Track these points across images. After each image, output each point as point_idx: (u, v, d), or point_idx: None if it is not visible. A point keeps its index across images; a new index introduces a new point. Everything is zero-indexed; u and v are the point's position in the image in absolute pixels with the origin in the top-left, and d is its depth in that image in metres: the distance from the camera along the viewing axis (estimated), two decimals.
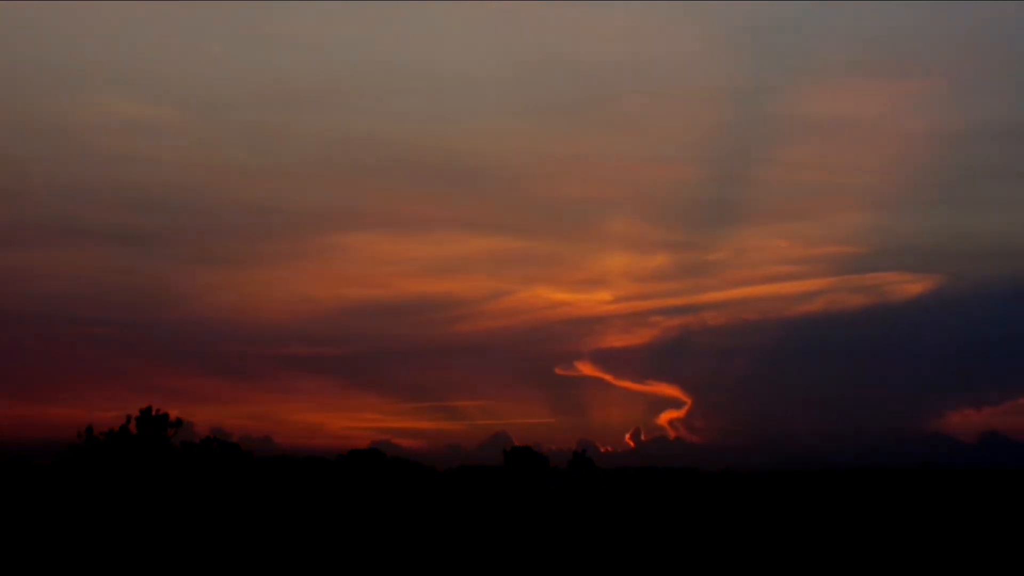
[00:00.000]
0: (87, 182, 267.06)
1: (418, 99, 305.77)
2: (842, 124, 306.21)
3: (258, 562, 46.33)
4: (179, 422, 74.86)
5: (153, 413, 73.85)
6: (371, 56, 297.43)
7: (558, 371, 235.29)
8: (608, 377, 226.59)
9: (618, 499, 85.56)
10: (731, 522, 68.93)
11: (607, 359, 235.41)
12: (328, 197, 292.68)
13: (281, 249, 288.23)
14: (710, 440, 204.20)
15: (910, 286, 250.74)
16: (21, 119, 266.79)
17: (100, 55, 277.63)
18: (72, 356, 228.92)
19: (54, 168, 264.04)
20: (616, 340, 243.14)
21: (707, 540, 56.90)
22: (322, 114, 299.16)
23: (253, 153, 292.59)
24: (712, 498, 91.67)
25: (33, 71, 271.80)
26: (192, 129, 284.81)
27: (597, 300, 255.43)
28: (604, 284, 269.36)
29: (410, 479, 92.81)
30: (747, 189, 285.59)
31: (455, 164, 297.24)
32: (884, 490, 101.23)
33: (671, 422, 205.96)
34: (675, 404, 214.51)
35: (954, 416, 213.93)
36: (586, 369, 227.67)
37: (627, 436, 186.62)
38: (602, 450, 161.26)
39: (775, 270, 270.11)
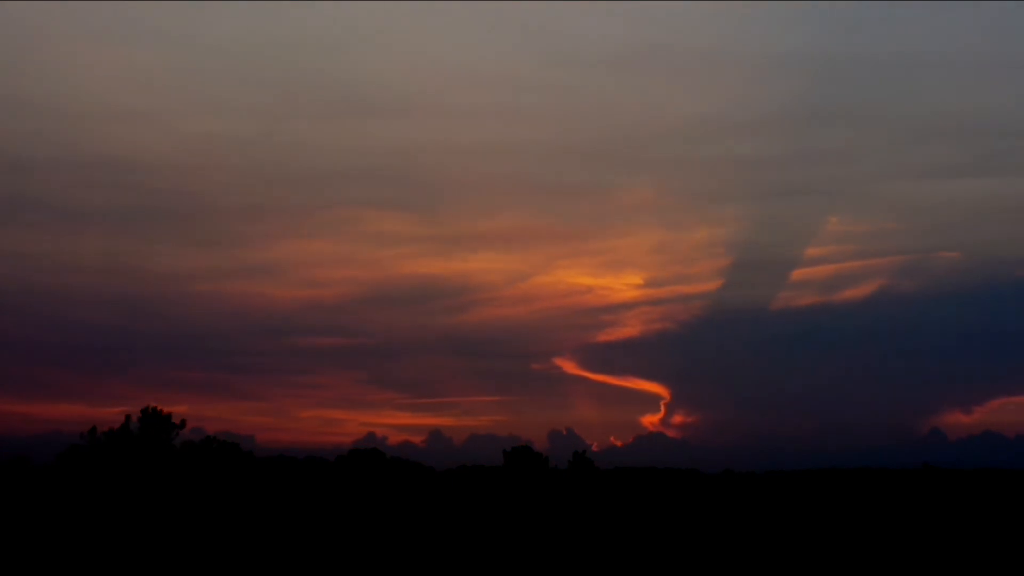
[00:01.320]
0: (76, 160, 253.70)
1: (424, 65, 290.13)
2: None
3: (258, 561, 46.33)
4: (182, 424, 74.73)
5: (160, 412, 73.71)
6: (377, 25, 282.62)
7: (534, 366, 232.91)
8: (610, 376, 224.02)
9: (617, 499, 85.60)
10: (729, 522, 69.05)
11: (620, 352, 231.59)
12: (331, 173, 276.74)
13: (283, 229, 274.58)
14: (700, 438, 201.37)
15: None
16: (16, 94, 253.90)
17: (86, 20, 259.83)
18: (70, 349, 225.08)
19: (46, 147, 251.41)
20: (627, 331, 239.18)
21: (705, 540, 56.99)
22: (323, 83, 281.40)
23: (249, 125, 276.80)
24: (711, 498, 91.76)
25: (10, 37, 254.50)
26: (183, 102, 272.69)
27: (624, 284, 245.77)
28: (630, 266, 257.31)
29: (409, 479, 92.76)
30: None
31: (467, 138, 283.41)
32: (881, 490, 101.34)
33: (662, 421, 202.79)
34: (666, 401, 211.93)
35: (951, 413, 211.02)
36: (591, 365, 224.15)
37: (614, 436, 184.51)
38: (595, 448, 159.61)
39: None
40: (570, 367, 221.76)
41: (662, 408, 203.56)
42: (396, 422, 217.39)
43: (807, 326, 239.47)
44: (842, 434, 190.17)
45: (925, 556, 50.18)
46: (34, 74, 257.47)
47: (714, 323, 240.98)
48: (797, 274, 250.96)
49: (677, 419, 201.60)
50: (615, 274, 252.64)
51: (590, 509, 76.59)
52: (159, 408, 73.85)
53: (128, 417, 73.04)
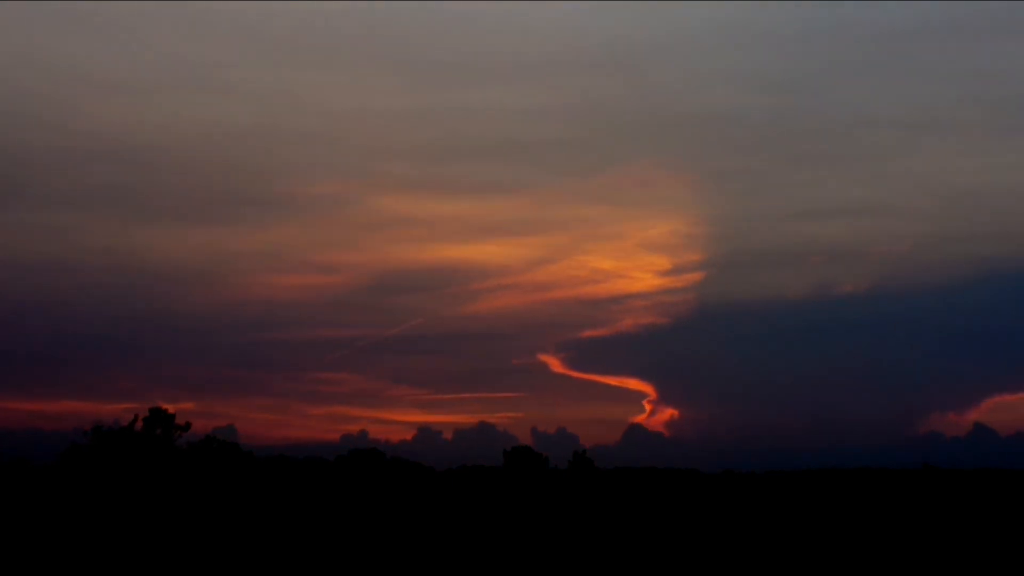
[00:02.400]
0: (71, 141, 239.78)
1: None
2: None
3: (255, 562, 46.33)
4: (187, 425, 74.86)
5: (165, 412, 73.78)
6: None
7: (514, 361, 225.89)
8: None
9: (618, 499, 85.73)
10: (729, 522, 69.22)
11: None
12: (337, 149, 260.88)
13: (286, 212, 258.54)
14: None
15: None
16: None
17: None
18: (70, 342, 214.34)
19: (36, 128, 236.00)
20: (614, 327, 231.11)
21: (706, 540, 57.14)
22: (319, 48, 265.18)
23: (247, 99, 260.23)
24: (711, 498, 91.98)
25: None
26: (172, 81, 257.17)
27: (649, 268, 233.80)
28: (654, 250, 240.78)
29: (409, 479, 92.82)
30: None
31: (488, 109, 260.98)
32: (881, 490, 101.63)
33: (651, 419, 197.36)
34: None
35: (945, 411, 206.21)
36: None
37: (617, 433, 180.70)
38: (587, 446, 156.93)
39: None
40: (556, 364, 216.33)
41: (649, 406, 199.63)
42: (387, 417, 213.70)
43: (800, 320, 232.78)
44: (838, 432, 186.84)
45: (925, 556, 50.38)
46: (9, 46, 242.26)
47: (702, 317, 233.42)
48: (790, 265, 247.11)
49: (667, 417, 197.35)
50: (640, 259, 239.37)
51: (591, 509, 76.65)
52: (164, 408, 74.05)
53: (136, 416, 73.35)
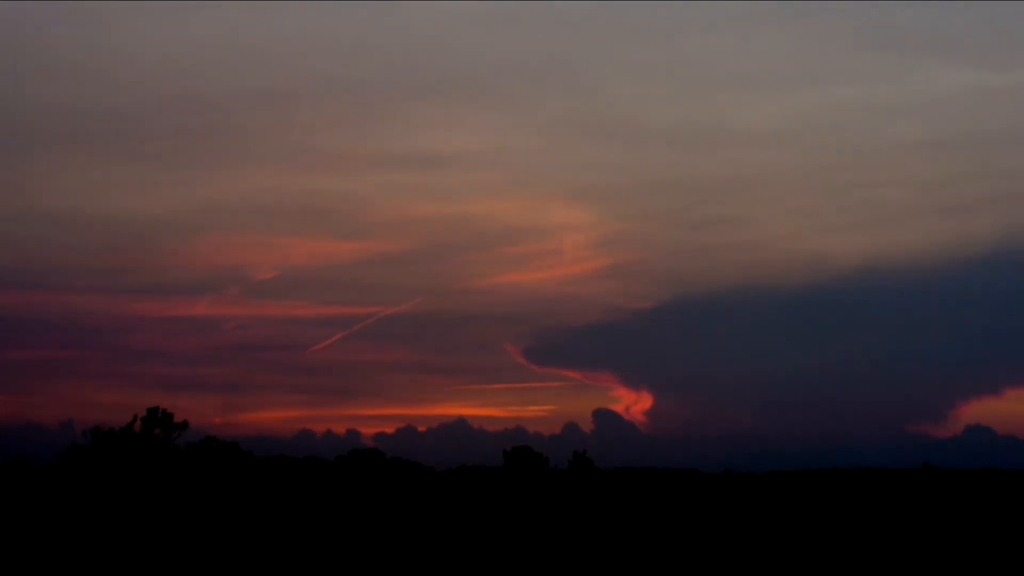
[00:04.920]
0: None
1: None
2: None
3: (257, 563, 46.29)
4: (184, 424, 74.87)
5: (164, 412, 73.84)
6: None
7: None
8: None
9: (619, 500, 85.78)
10: (729, 522, 69.26)
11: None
12: (342, 89, 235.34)
13: (282, 166, 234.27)
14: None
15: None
16: None
17: None
18: (69, 335, 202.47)
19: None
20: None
21: (706, 540, 57.16)
22: None
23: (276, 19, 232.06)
24: (711, 498, 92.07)
25: None
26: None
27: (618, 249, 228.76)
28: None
29: (409, 479, 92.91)
30: None
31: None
32: (880, 490, 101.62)
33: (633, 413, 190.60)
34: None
35: (939, 409, 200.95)
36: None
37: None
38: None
39: None
40: (522, 357, 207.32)
41: (619, 396, 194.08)
42: (375, 413, 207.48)
43: (793, 308, 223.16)
44: (833, 430, 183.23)
45: (925, 556, 50.35)
46: None
47: (682, 305, 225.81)
48: (779, 252, 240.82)
49: (642, 409, 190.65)
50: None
51: (592, 510, 76.69)
52: (162, 408, 74.12)
53: (134, 416, 73.35)
